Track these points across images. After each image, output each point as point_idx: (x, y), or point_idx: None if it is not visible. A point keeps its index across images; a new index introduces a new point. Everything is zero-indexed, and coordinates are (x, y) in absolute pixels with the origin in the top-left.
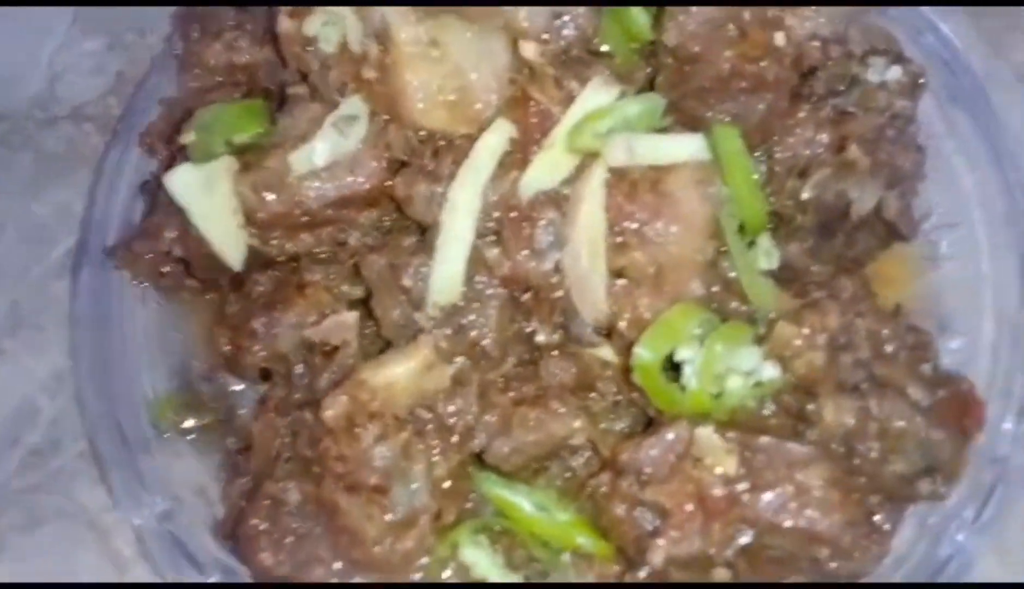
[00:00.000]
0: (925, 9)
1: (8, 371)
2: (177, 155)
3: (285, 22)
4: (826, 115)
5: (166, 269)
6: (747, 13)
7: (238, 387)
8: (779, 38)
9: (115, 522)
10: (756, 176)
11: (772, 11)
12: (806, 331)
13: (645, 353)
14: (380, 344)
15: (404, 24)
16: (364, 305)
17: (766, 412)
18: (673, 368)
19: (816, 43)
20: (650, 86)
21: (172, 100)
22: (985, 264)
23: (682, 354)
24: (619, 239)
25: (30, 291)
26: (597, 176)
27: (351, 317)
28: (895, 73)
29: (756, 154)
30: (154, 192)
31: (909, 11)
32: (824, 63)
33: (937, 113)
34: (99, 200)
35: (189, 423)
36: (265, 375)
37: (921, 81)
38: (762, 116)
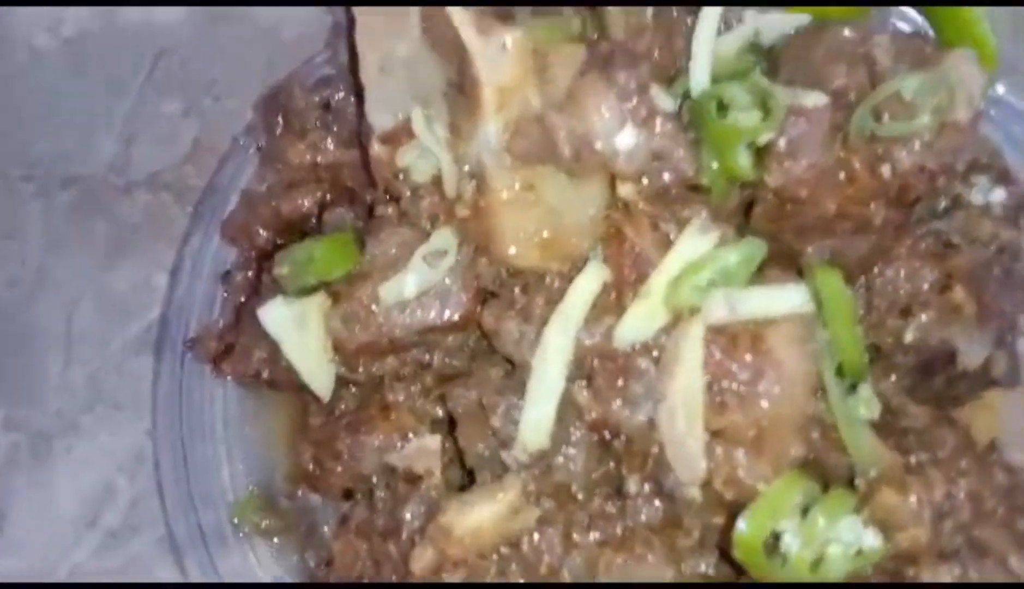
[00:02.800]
0: None
1: (86, 448)
2: (258, 257)
3: (377, 147)
4: (929, 247)
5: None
6: (856, 159)
7: (318, 500)
8: (885, 170)
9: None
10: (857, 319)
11: (881, 147)
12: (912, 503)
13: (747, 530)
14: (461, 465)
15: (501, 169)
16: (448, 426)
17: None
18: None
19: (923, 176)
20: (745, 212)
21: (254, 194)
22: None
23: (782, 526)
24: (718, 399)
25: (108, 366)
26: (695, 333)
27: (434, 443)
28: (999, 196)
29: (855, 286)
30: (239, 307)
31: (1010, 113)
32: (928, 193)
33: None
34: (181, 285)
35: (268, 526)
36: (347, 494)
37: None
38: (864, 252)
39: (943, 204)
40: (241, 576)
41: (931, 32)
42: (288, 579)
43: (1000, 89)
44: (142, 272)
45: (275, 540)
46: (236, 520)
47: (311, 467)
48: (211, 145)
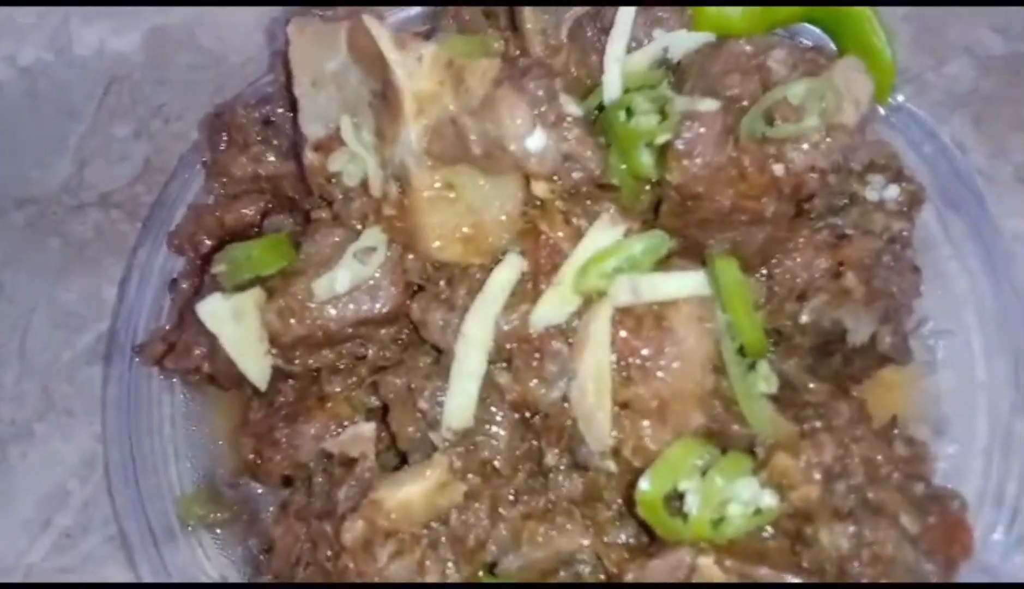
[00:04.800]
0: (926, 118)
1: (39, 454)
2: (203, 265)
3: (310, 155)
4: (824, 238)
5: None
6: (747, 158)
7: (260, 490)
8: (778, 170)
9: None
10: (754, 304)
11: (772, 147)
12: (803, 464)
13: (648, 488)
14: (395, 452)
15: (421, 170)
16: (382, 413)
17: (765, 534)
18: (677, 493)
19: (814, 174)
20: (654, 210)
21: (199, 205)
22: (979, 370)
23: (684, 485)
24: (624, 373)
25: (60, 376)
26: (603, 314)
27: (368, 429)
28: (893, 192)
29: (756, 275)
30: (183, 308)
31: (910, 121)
32: (823, 189)
33: (934, 218)
34: (129, 294)
35: (213, 518)
36: (286, 481)
37: (918, 199)
38: (761, 243)
39: (841, 202)
40: (189, 569)
41: (832, 46)
42: (234, 569)
43: (900, 97)
44: (93, 285)
45: (218, 532)
46: (182, 515)
47: (252, 457)
48: (161, 165)
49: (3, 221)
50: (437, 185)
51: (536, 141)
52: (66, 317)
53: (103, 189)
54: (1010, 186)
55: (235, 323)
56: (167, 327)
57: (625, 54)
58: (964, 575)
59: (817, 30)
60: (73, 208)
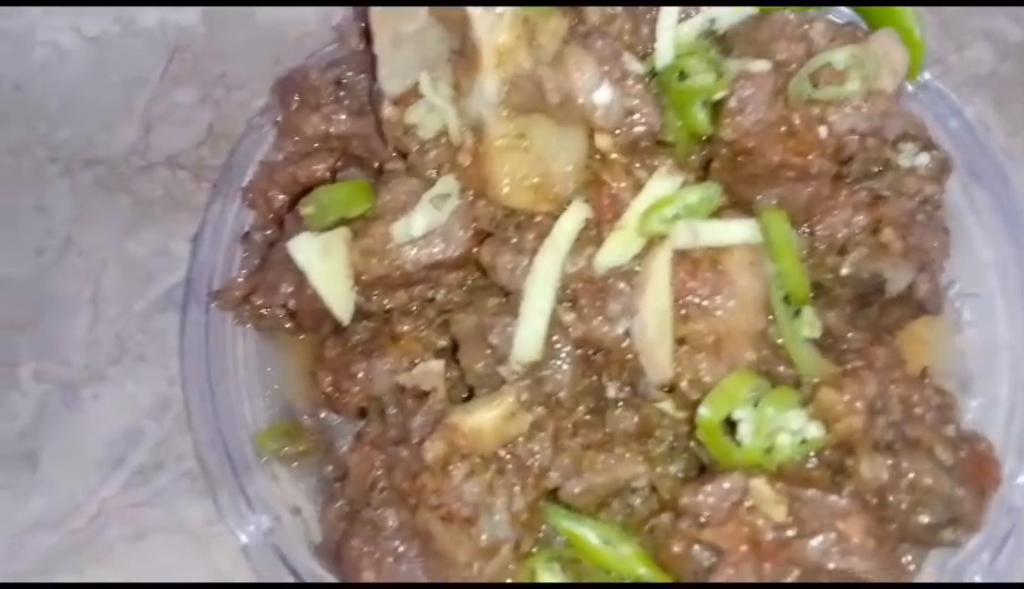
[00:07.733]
0: (952, 95)
1: (113, 396)
2: (287, 219)
3: (389, 109)
4: (862, 198)
5: (266, 313)
6: (797, 115)
7: (336, 421)
8: (822, 131)
9: (215, 535)
10: (800, 255)
11: (817, 109)
12: (846, 397)
13: (708, 413)
14: (462, 389)
15: (497, 120)
16: (449, 353)
17: (809, 465)
18: (730, 425)
19: (855, 136)
20: (705, 167)
21: (271, 162)
22: (1002, 331)
23: (738, 415)
24: (682, 311)
25: (132, 324)
26: (663, 256)
27: (438, 365)
28: (924, 159)
29: (799, 231)
30: (265, 251)
31: (937, 98)
32: (861, 152)
33: (960, 190)
34: (204, 246)
35: (287, 452)
36: (362, 413)
37: (947, 167)
38: (805, 200)
39: (876, 168)
40: (266, 498)
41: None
42: (306, 498)
43: (927, 76)
44: (162, 240)
45: (293, 465)
46: (258, 448)
47: (330, 390)
48: (224, 131)
49: (72, 180)
50: (511, 134)
51: (603, 95)
52: (137, 269)
53: (169, 151)
54: None
55: (323, 259)
56: (244, 273)
57: (675, 24)
58: (991, 519)
59: (848, 11)
60: (141, 168)
